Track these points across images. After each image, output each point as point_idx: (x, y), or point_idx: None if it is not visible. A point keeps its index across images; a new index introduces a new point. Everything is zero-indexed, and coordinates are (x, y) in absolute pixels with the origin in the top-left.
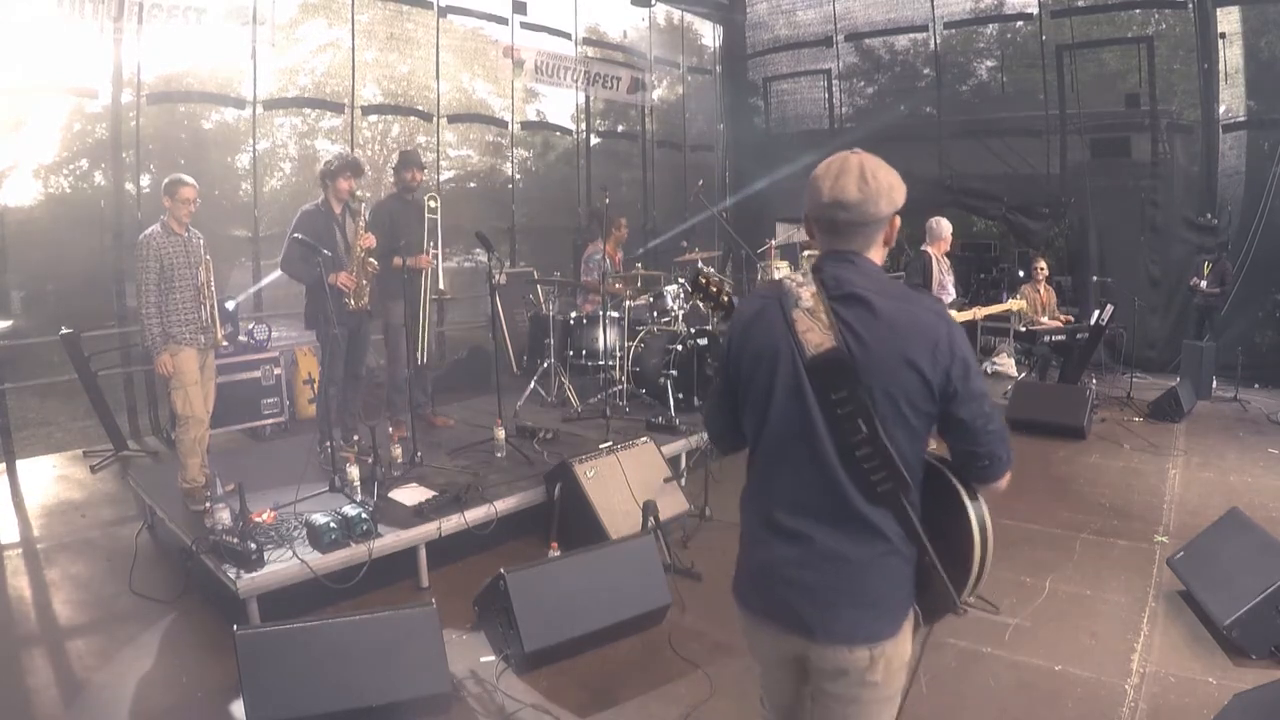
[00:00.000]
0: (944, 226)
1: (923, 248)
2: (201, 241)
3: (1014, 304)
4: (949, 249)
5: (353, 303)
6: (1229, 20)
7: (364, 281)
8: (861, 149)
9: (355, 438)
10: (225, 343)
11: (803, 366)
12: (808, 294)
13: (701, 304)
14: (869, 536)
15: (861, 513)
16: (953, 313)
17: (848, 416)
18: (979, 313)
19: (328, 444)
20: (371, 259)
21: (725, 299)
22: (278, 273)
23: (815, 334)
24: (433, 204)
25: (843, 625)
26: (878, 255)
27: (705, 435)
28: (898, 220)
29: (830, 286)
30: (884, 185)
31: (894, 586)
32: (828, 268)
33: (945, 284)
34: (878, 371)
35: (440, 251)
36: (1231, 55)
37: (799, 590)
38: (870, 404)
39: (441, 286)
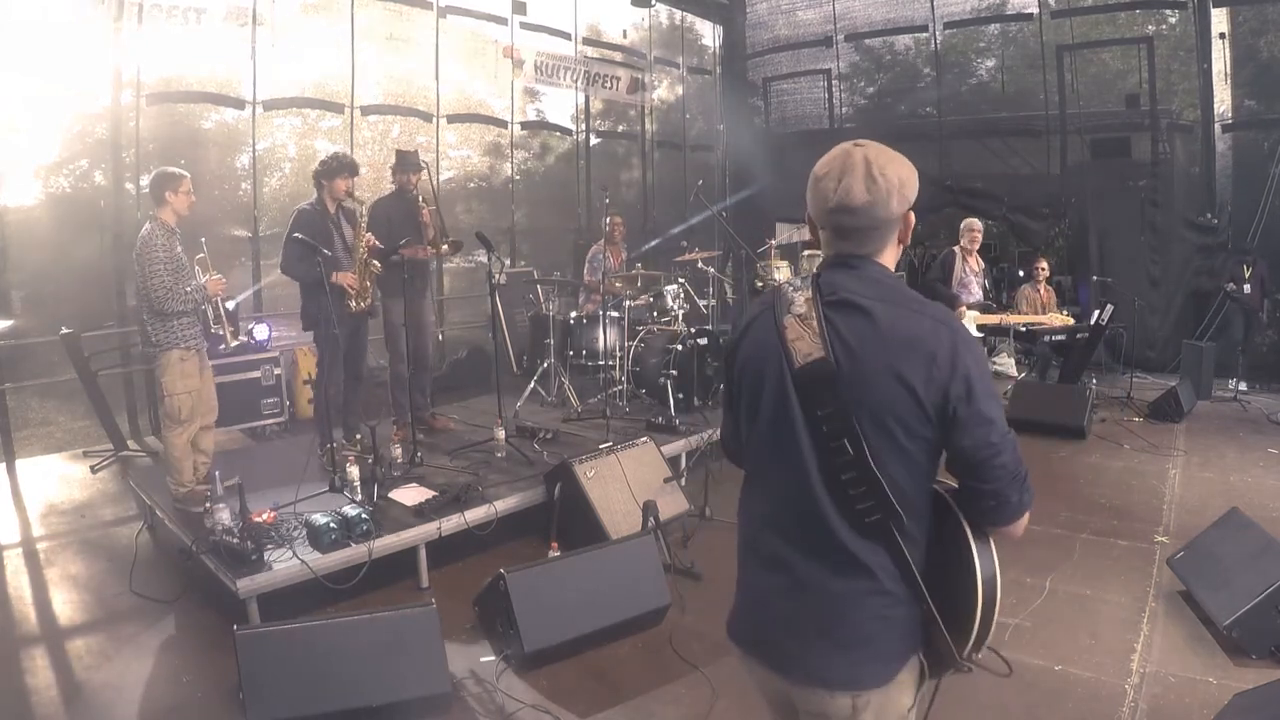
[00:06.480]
0: (966, 224)
1: (953, 247)
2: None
3: (1052, 317)
4: (977, 246)
5: (354, 304)
6: (1228, 20)
7: (367, 283)
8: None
9: (358, 436)
10: (235, 342)
11: (790, 378)
12: (802, 299)
13: None
14: (852, 571)
15: (845, 544)
16: (974, 314)
17: (833, 435)
18: (1009, 318)
19: (328, 445)
20: (375, 261)
21: None
22: (278, 272)
23: (804, 343)
24: (445, 249)
25: (819, 666)
26: (890, 257)
27: (704, 436)
28: (912, 217)
29: (825, 291)
30: (894, 182)
31: (882, 629)
32: (826, 273)
33: (968, 283)
34: (865, 386)
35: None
36: (1230, 55)
37: (778, 623)
38: (857, 423)
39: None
